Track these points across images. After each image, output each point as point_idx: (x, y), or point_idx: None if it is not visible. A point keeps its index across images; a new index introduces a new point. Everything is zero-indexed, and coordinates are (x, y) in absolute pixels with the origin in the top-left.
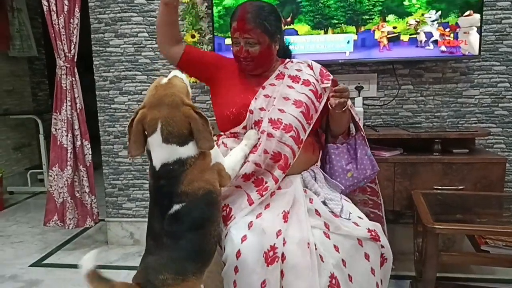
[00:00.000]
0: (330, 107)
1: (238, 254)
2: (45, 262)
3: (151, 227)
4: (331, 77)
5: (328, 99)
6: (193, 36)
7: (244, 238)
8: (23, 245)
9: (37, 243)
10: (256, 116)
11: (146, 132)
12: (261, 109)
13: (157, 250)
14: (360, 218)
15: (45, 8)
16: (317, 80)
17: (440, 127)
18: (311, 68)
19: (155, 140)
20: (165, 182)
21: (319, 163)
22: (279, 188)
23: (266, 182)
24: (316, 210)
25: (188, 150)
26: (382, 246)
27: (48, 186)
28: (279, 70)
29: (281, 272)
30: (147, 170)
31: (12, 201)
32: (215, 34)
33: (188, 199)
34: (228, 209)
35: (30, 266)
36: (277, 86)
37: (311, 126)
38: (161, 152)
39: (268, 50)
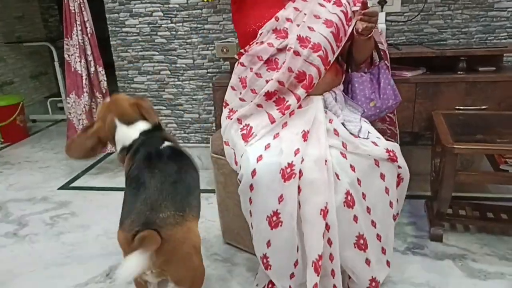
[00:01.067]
0: (355, 32)
1: (254, 173)
2: (72, 185)
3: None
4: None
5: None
6: None
7: (260, 158)
8: (50, 170)
9: (64, 168)
10: (280, 24)
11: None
12: (288, 19)
13: (145, 191)
14: (378, 138)
15: None
16: (348, 2)
17: (466, 44)
18: None
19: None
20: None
21: (341, 86)
22: (299, 106)
23: (287, 101)
24: (335, 130)
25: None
26: (399, 167)
27: (68, 113)
28: None
29: (298, 188)
30: (163, 96)
31: (36, 128)
32: None
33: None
34: (248, 128)
35: (59, 189)
36: (308, 3)
37: (340, 48)
38: (124, 132)
39: None
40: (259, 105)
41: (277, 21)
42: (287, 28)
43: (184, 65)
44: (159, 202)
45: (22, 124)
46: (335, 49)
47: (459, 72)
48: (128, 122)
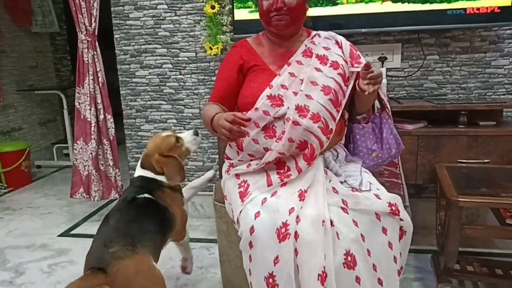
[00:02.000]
0: (359, 89)
1: (252, 230)
2: (72, 232)
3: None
4: (362, 59)
5: (356, 79)
6: (212, 7)
7: (257, 215)
8: (51, 216)
9: (65, 214)
10: (275, 91)
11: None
12: (283, 86)
13: (104, 230)
14: (379, 189)
15: None
16: (346, 62)
17: (466, 99)
18: (340, 47)
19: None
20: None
21: (343, 141)
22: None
23: (289, 169)
24: (333, 188)
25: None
26: (401, 219)
27: (74, 159)
28: (305, 45)
29: (295, 250)
30: None
31: (40, 174)
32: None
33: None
34: (246, 185)
35: (59, 236)
36: (305, 67)
37: (340, 112)
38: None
39: (303, 4)
40: (263, 169)
41: (270, 88)
42: (282, 95)
43: (190, 114)
44: (110, 239)
45: (26, 170)
46: (335, 115)
47: (460, 126)
48: (144, 166)
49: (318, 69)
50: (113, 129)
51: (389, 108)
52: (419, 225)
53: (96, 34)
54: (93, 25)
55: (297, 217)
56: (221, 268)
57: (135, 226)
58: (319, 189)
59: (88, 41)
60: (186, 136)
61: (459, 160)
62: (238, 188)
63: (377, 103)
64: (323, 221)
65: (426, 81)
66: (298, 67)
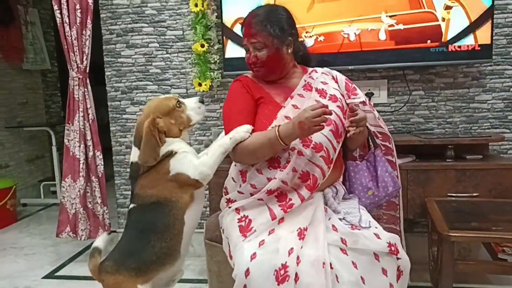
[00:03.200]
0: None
1: (247, 272)
2: (57, 274)
3: None
4: (358, 90)
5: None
6: (202, 46)
7: (253, 256)
8: (36, 257)
9: (50, 254)
10: (279, 122)
11: None
12: (287, 117)
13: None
14: (377, 228)
15: (58, 20)
16: (343, 95)
17: (452, 133)
18: (336, 81)
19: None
20: (131, 180)
21: (341, 179)
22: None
23: (290, 199)
24: (333, 226)
25: None
26: (399, 258)
27: (61, 197)
28: (305, 80)
29: None
30: None
31: (25, 213)
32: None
33: (138, 202)
34: (247, 220)
35: (43, 278)
36: (306, 99)
37: (340, 143)
38: (132, 151)
39: (276, 53)
40: (260, 199)
41: (275, 120)
42: None
43: None
44: (113, 251)
45: (12, 209)
46: (336, 146)
47: (447, 160)
48: (135, 141)
49: (318, 102)
50: (102, 166)
51: (392, 141)
52: (412, 260)
53: (87, 71)
54: (85, 62)
55: (297, 257)
56: None
57: (126, 243)
58: (319, 227)
59: (79, 78)
60: (190, 102)
61: (449, 194)
62: (238, 222)
63: (371, 142)
64: (324, 263)
65: (412, 116)
66: (301, 100)
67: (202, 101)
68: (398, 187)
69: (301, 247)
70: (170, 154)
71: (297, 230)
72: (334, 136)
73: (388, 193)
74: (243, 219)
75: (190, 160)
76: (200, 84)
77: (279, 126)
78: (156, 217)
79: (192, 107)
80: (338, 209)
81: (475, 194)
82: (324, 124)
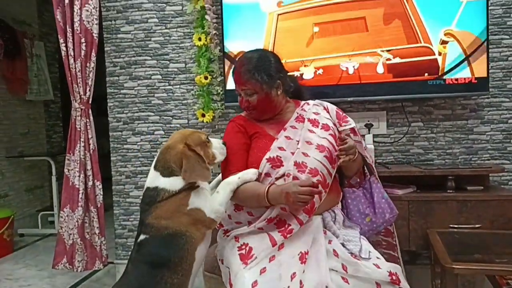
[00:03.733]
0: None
1: (254, 284)
2: None
3: None
4: (349, 119)
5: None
6: (206, 78)
7: (254, 284)
8: None
9: (45, 286)
10: (273, 153)
11: None
12: (280, 148)
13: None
14: (379, 258)
15: (63, 53)
16: (334, 124)
17: (452, 164)
18: (328, 111)
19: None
20: (143, 207)
21: (339, 205)
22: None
23: (289, 225)
24: (334, 251)
25: (166, 183)
26: None
27: (59, 227)
28: (297, 113)
29: None
30: None
31: (22, 243)
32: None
33: (151, 233)
34: (247, 248)
35: None
36: (299, 130)
37: (335, 169)
38: (150, 175)
39: (266, 97)
40: (259, 228)
41: (269, 151)
42: (280, 156)
43: None
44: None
45: (8, 239)
46: (331, 171)
47: (448, 191)
48: (157, 165)
49: (311, 131)
50: (101, 196)
51: (375, 172)
52: None
53: (90, 102)
54: (88, 94)
55: (300, 282)
56: None
57: (136, 279)
58: (320, 251)
59: (81, 109)
60: (215, 141)
61: (451, 225)
62: (239, 250)
63: (366, 171)
64: (326, 287)
65: (412, 147)
66: (293, 131)
67: (224, 144)
68: (395, 213)
69: (303, 271)
70: (192, 187)
71: (298, 255)
72: (328, 161)
73: (385, 219)
74: (243, 247)
75: (208, 198)
76: (203, 115)
77: (269, 186)
78: (171, 250)
79: (217, 147)
80: (337, 233)
81: (477, 226)
82: (308, 201)
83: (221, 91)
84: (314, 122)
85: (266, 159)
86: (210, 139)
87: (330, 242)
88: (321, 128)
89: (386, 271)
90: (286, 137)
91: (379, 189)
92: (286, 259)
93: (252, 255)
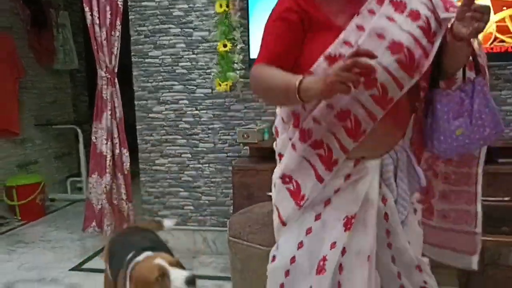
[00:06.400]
0: (452, 36)
1: (293, 260)
2: (84, 267)
3: None
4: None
5: (449, 28)
6: (224, 45)
7: (300, 245)
8: (63, 250)
9: (77, 248)
10: (335, 49)
11: None
12: (346, 43)
13: None
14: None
15: (88, 21)
16: (432, 11)
17: None
18: None
19: None
20: None
21: (407, 143)
22: (347, 176)
23: (330, 150)
24: (386, 214)
25: None
26: (425, 282)
27: (88, 193)
28: None
29: (339, 283)
30: (183, 178)
31: (53, 207)
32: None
33: None
34: (295, 184)
35: (70, 270)
36: (376, 17)
37: (414, 80)
38: None
39: None
40: (303, 156)
41: (331, 46)
42: (343, 55)
43: (205, 149)
44: None
45: (41, 203)
46: (403, 82)
47: None
48: None
49: (389, 18)
50: (128, 163)
51: (487, 75)
52: (438, 263)
53: (115, 71)
54: (113, 62)
55: (343, 249)
56: None
57: None
58: (369, 213)
59: (107, 78)
60: (177, 278)
61: None
62: (284, 183)
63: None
64: (369, 256)
65: None
66: (369, 17)
67: (191, 282)
68: (499, 130)
69: (346, 239)
70: None
71: (344, 219)
72: (402, 69)
73: (483, 136)
74: (290, 181)
75: None
76: (220, 84)
77: (306, 75)
78: None
79: (176, 287)
80: (393, 189)
81: (506, 199)
82: (351, 81)
83: (241, 59)
84: (398, 6)
85: (325, 56)
86: (173, 272)
87: (384, 200)
88: (406, 16)
89: (414, 255)
90: (357, 26)
91: (485, 95)
92: (331, 221)
93: (303, 196)
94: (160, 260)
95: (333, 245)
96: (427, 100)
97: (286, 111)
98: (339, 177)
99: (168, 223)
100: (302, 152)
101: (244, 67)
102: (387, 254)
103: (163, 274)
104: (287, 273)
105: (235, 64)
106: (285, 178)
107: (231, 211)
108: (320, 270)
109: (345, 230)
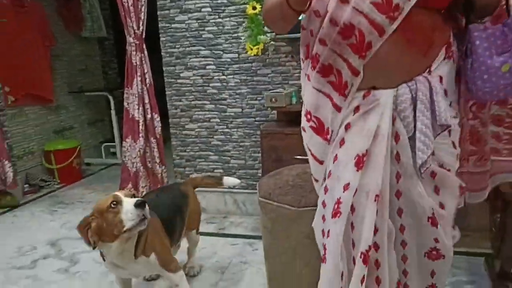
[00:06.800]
0: None
1: (323, 204)
2: None
3: None
4: None
5: None
6: (254, 8)
7: (326, 189)
8: None
9: None
10: None
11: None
12: None
13: None
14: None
15: None
16: None
17: None
18: None
19: None
20: None
21: (435, 66)
22: (357, 108)
23: (340, 74)
24: (397, 154)
25: None
26: (437, 240)
27: (123, 157)
28: None
29: (352, 224)
30: (212, 143)
31: (89, 171)
32: None
33: None
34: (317, 121)
35: None
36: None
37: None
38: None
39: None
40: (316, 89)
41: None
42: None
43: (233, 114)
44: None
45: (77, 167)
46: None
47: None
48: None
49: None
50: (160, 128)
51: None
52: (471, 227)
53: (143, 37)
54: (141, 28)
55: (356, 189)
56: (266, 264)
57: None
58: (379, 147)
59: (136, 44)
60: (127, 202)
61: None
62: (307, 121)
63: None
64: (377, 195)
65: None
66: None
67: (140, 205)
68: None
69: (359, 179)
70: None
71: (355, 158)
72: None
73: None
74: (308, 116)
75: None
76: (251, 48)
77: None
78: None
79: (127, 210)
80: (409, 121)
81: None
82: None
83: None
84: None
85: None
86: (125, 200)
87: (397, 138)
88: None
89: (429, 206)
90: None
91: None
92: (345, 160)
93: (328, 129)
94: (118, 192)
95: (346, 186)
96: (464, 39)
97: (302, 48)
98: (350, 110)
99: (229, 180)
100: (315, 82)
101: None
102: (392, 208)
103: (117, 202)
104: (323, 217)
105: (266, 27)
106: (307, 116)
107: (259, 174)
108: (335, 213)
109: (357, 170)
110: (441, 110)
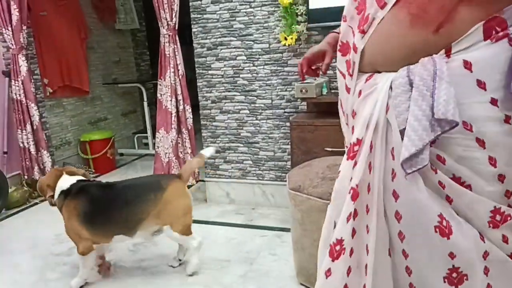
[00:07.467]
0: None
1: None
2: None
3: None
4: None
5: None
6: None
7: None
8: None
9: None
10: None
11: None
12: None
13: None
14: None
15: None
16: None
17: None
18: None
19: None
20: None
21: (459, 47)
22: (359, 92)
23: (348, 51)
24: (392, 149)
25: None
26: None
27: (156, 147)
28: None
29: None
30: (241, 134)
31: (123, 161)
32: None
33: None
34: (340, 102)
35: None
36: None
37: None
38: None
39: None
40: (338, 69)
41: None
42: None
43: (263, 105)
44: None
45: (111, 157)
46: None
47: None
48: None
49: None
50: (191, 119)
51: None
52: None
53: (176, 28)
54: (174, 20)
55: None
56: (295, 256)
57: None
58: (366, 143)
59: (169, 35)
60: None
61: None
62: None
63: None
64: (352, 189)
65: None
66: None
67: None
68: None
69: (347, 166)
70: None
71: (347, 147)
72: None
73: None
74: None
75: None
76: (286, 38)
77: None
78: None
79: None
80: (402, 110)
81: None
82: None
83: (304, 11)
84: None
85: None
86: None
87: (388, 130)
88: None
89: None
90: None
91: None
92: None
93: (343, 112)
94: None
95: (338, 174)
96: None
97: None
98: (356, 95)
99: (206, 152)
100: (338, 62)
101: (306, 19)
102: (389, 210)
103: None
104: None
105: (299, 17)
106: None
107: (288, 166)
108: (331, 200)
109: (347, 159)
110: (439, 101)
